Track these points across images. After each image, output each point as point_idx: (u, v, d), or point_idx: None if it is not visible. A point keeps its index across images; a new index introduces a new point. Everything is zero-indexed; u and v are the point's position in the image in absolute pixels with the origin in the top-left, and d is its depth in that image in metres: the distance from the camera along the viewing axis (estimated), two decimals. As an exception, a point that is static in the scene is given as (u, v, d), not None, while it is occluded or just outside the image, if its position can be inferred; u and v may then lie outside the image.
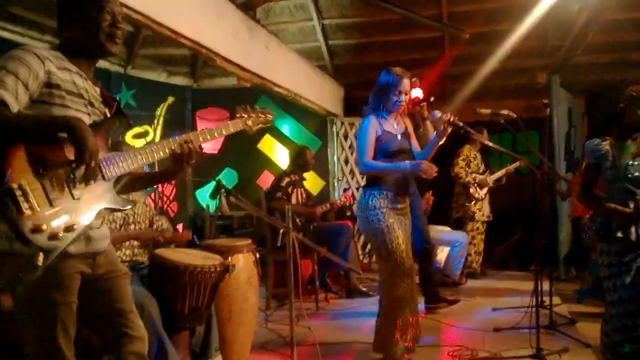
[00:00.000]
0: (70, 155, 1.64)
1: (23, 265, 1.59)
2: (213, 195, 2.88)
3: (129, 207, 1.94)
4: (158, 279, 2.86)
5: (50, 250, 1.58)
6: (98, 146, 1.65)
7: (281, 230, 4.62)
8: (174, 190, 7.37)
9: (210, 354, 3.02)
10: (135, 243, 3.19)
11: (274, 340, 3.88)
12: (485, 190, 6.08)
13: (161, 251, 3.01)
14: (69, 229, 1.62)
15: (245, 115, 2.29)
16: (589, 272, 5.18)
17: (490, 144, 4.35)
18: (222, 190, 3.36)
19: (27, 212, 1.52)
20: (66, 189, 1.65)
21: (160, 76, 7.38)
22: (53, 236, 1.57)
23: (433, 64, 6.69)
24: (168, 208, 6.97)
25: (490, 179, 6.07)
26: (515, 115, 3.99)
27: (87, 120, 1.77)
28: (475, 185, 5.98)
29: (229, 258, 3.09)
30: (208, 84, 7.74)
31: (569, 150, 6.45)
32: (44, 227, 1.54)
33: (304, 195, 5.17)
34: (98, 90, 1.91)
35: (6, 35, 5.34)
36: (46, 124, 1.63)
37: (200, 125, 7.53)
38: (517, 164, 6.09)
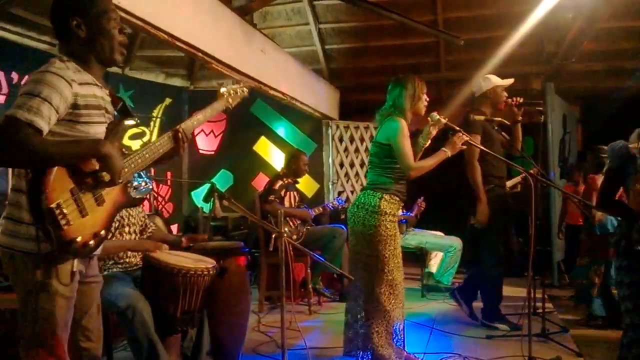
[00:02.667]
0: (92, 165, 1.78)
1: (45, 265, 1.75)
2: (206, 199, 2.89)
3: (140, 202, 2.02)
4: (151, 282, 2.86)
5: (83, 256, 1.81)
6: (123, 166, 1.84)
7: (273, 235, 4.62)
8: (170, 191, 7.38)
9: (201, 357, 3.02)
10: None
11: (266, 343, 3.88)
12: None
13: (154, 253, 3.00)
14: (96, 235, 1.81)
15: (226, 94, 2.43)
16: (572, 279, 5.20)
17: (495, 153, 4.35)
18: (216, 193, 3.36)
19: (65, 227, 1.69)
20: (92, 198, 1.80)
21: (157, 77, 7.40)
22: (85, 244, 1.76)
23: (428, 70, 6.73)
24: (163, 209, 6.98)
25: (507, 185, 5.96)
26: (508, 123, 4.04)
27: (104, 128, 1.91)
28: None
29: (222, 261, 3.10)
30: (205, 86, 7.76)
31: (563, 156, 6.49)
32: (79, 238, 1.73)
33: (297, 199, 5.17)
34: (107, 92, 1.98)
35: (6, 35, 5.35)
36: (80, 154, 1.75)
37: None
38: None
